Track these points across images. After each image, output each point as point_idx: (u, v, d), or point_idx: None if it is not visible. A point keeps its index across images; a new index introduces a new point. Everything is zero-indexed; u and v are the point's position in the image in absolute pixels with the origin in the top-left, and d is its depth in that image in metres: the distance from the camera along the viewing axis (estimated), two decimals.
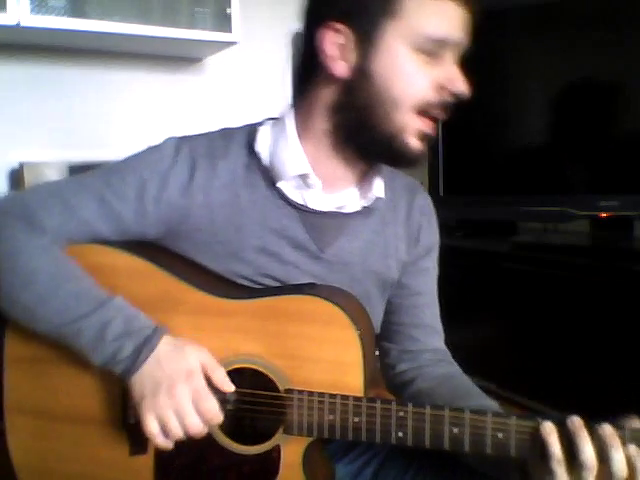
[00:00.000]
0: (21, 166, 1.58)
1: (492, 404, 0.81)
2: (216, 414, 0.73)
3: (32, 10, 1.41)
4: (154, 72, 1.88)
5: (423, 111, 0.77)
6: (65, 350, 0.77)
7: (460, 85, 0.77)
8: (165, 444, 0.73)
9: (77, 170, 1.53)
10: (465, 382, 0.88)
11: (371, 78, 0.75)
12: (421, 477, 0.84)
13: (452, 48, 0.77)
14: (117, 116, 1.83)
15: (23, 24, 1.41)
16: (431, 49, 0.75)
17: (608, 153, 1.55)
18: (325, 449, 0.82)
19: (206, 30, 1.62)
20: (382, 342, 0.94)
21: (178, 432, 0.72)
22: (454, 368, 0.91)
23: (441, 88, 0.76)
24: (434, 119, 0.78)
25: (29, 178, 1.56)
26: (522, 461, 0.68)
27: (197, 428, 0.72)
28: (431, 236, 0.93)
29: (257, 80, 1.90)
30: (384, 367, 0.94)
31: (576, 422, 0.64)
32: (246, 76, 1.94)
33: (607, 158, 1.55)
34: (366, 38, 0.75)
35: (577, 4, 1.55)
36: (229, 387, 0.75)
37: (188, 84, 1.92)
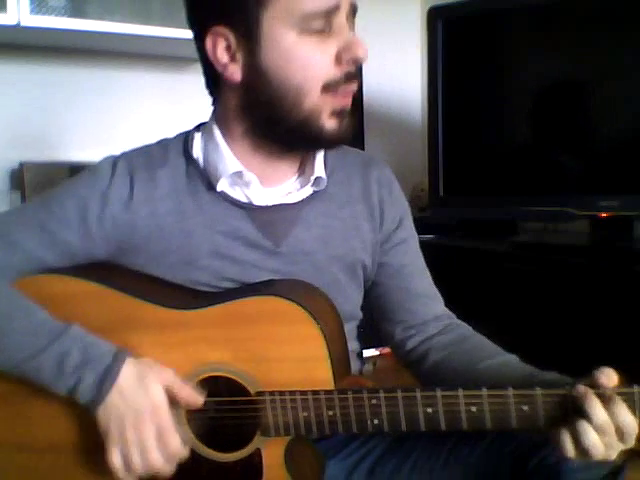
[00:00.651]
0: (21, 166, 1.58)
1: (509, 358, 0.81)
2: (179, 451, 0.73)
3: (32, 10, 1.41)
4: (154, 72, 1.88)
5: (330, 89, 0.74)
6: (31, 383, 0.75)
7: (359, 50, 0.73)
8: (127, 478, 0.72)
9: (77, 170, 1.52)
10: (478, 341, 0.87)
11: (266, 73, 0.74)
12: (417, 472, 0.83)
13: (339, 14, 0.73)
14: (117, 116, 1.83)
15: (23, 24, 1.41)
16: (318, 27, 0.72)
17: (608, 153, 1.55)
18: (311, 444, 0.82)
19: None
20: (383, 325, 0.93)
21: (139, 468, 0.72)
22: (462, 329, 0.90)
23: (341, 59, 0.74)
24: (344, 94, 0.76)
25: (29, 178, 1.56)
26: None
27: (158, 464, 0.72)
28: (397, 207, 0.91)
29: None
30: (394, 349, 0.93)
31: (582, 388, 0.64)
32: None
33: (607, 158, 1.55)
34: (247, 35, 0.73)
35: (577, 4, 1.55)
36: (198, 401, 0.74)
37: (188, 84, 1.92)
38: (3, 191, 1.66)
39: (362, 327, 0.93)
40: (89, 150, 1.77)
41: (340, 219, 0.85)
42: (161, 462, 0.72)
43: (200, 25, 0.77)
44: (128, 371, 0.73)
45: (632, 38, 1.48)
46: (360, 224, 0.87)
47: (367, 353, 1.89)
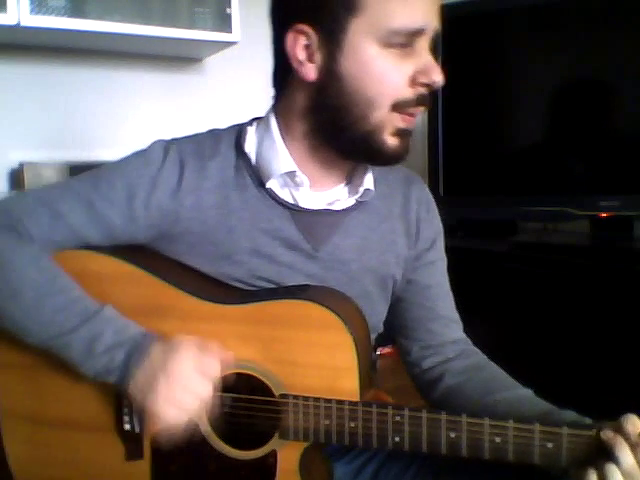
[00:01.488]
0: (21, 166, 1.57)
1: (525, 393, 0.81)
2: (217, 369, 0.72)
3: (32, 10, 1.40)
4: (154, 72, 1.87)
5: (399, 108, 0.75)
6: (56, 358, 0.76)
7: (436, 75, 0.74)
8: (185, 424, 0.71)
9: (77, 170, 1.53)
10: (494, 372, 0.87)
11: (341, 79, 0.74)
12: (422, 476, 0.83)
13: (423, 37, 0.74)
14: (117, 116, 1.83)
15: (23, 24, 1.41)
16: (401, 42, 0.72)
17: (608, 153, 1.55)
18: (323, 452, 0.82)
19: (206, 30, 1.61)
20: (401, 340, 0.93)
21: (192, 404, 0.70)
22: (479, 357, 0.90)
23: (416, 81, 0.74)
24: (411, 114, 0.76)
25: (29, 178, 1.56)
26: None
27: (207, 390, 0.71)
28: (432, 227, 0.92)
29: (257, 80, 1.90)
30: (409, 367, 0.93)
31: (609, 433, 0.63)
32: (246, 76, 1.95)
33: (607, 158, 1.55)
34: (331, 38, 0.73)
35: (577, 4, 1.55)
36: (229, 360, 0.74)
37: (188, 84, 1.92)
38: (3, 191, 1.65)
39: None
40: (89, 150, 1.76)
41: (378, 232, 0.86)
42: (208, 387, 0.71)
43: (284, 19, 0.76)
44: (157, 347, 0.73)
45: (633, 38, 1.48)
46: (396, 239, 0.88)
47: None
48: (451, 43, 1.68)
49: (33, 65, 1.71)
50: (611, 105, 1.54)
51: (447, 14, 1.76)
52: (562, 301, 1.47)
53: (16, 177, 1.66)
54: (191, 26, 1.60)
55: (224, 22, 1.63)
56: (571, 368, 1.43)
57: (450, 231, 1.80)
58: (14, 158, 1.66)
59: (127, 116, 1.84)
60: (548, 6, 1.56)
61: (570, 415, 0.73)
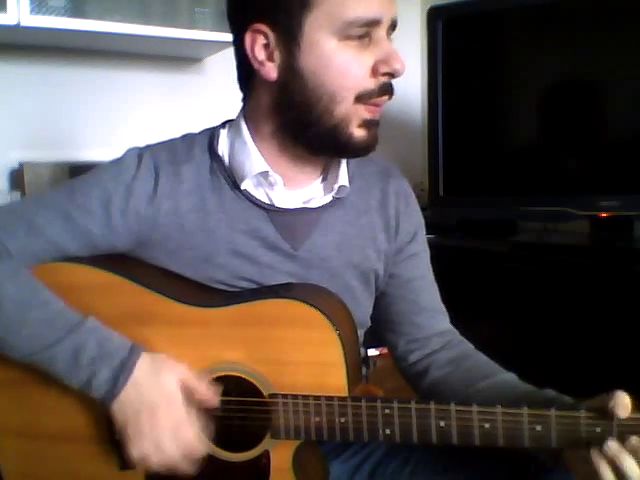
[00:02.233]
0: (21, 166, 1.57)
1: (508, 377, 0.81)
2: (195, 446, 0.72)
3: (32, 10, 1.40)
4: (154, 72, 1.87)
5: (363, 99, 0.75)
6: (42, 372, 0.75)
7: (397, 63, 0.74)
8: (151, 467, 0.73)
9: (77, 170, 1.53)
10: (478, 360, 0.87)
11: (302, 76, 0.74)
12: (419, 474, 0.84)
13: (380, 27, 0.73)
14: (117, 116, 1.83)
15: (23, 24, 1.40)
16: (358, 33, 0.72)
17: (608, 153, 1.55)
18: (317, 448, 0.82)
19: (206, 30, 1.61)
20: (388, 335, 0.93)
21: (156, 463, 0.72)
22: (464, 346, 0.90)
23: (378, 71, 0.74)
24: (376, 104, 0.76)
25: (29, 178, 1.56)
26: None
27: (175, 459, 0.72)
28: (412, 219, 0.92)
29: None
30: (396, 360, 0.94)
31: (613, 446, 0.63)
32: None
33: (607, 158, 1.55)
34: (288, 35, 0.73)
35: (577, 4, 1.55)
36: (214, 400, 0.75)
37: (188, 84, 1.92)
38: (3, 191, 1.65)
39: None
40: (89, 150, 1.76)
41: (357, 227, 0.86)
42: (177, 457, 0.72)
43: (241, 20, 0.77)
44: (143, 366, 0.73)
45: (632, 38, 1.48)
46: (376, 233, 0.88)
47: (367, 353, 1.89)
48: (451, 43, 1.68)
49: (33, 65, 1.71)
50: (611, 105, 1.54)
51: (447, 14, 1.77)
52: (562, 301, 1.47)
53: (16, 177, 1.66)
54: (191, 26, 1.60)
55: (224, 22, 1.62)
56: (571, 368, 1.43)
57: (450, 231, 1.81)
58: (14, 158, 1.66)
59: (127, 116, 1.84)
60: (547, 6, 1.56)
61: (549, 393, 0.74)
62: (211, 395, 0.75)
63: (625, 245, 1.50)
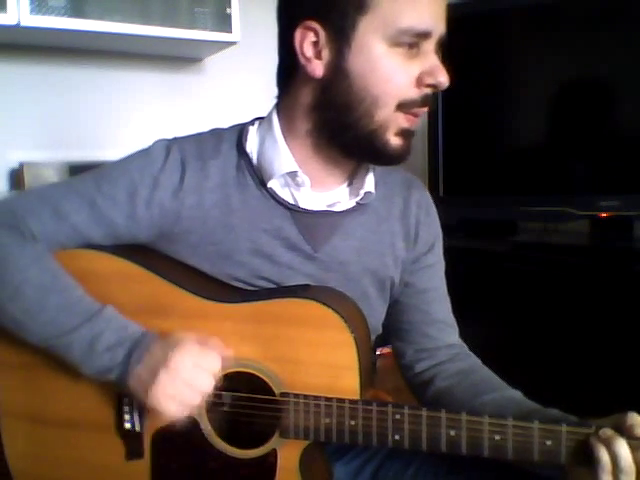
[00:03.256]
0: (21, 166, 1.57)
1: (514, 394, 0.81)
2: (217, 364, 0.72)
3: (32, 10, 1.40)
4: (154, 72, 1.87)
5: (404, 107, 0.75)
6: (57, 357, 0.76)
7: (441, 76, 0.75)
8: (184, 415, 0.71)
9: (77, 170, 1.53)
10: (484, 374, 0.87)
11: (348, 77, 0.74)
12: (421, 476, 0.84)
13: (429, 39, 0.75)
14: (117, 116, 1.83)
15: (23, 24, 1.41)
16: (408, 42, 0.73)
17: (608, 153, 1.55)
18: (323, 451, 0.82)
19: (206, 30, 1.62)
20: (396, 343, 0.93)
21: (192, 398, 0.70)
22: (471, 360, 0.90)
23: (422, 82, 0.75)
24: (415, 114, 0.77)
25: (29, 178, 1.56)
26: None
27: (208, 383, 0.71)
28: (431, 230, 0.92)
29: (257, 80, 1.90)
30: (403, 369, 0.93)
31: (608, 431, 0.64)
32: (246, 76, 1.95)
33: (607, 158, 1.55)
34: (340, 35, 0.73)
35: (576, 4, 1.55)
36: (226, 352, 0.74)
37: (188, 84, 1.92)
38: (3, 191, 1.65)
39: None
40: (89, 150, 1.76)
41: (377, 234, 0.86)
42: (209, 381, 0.71)
43: (293, 15, 0.76)
44: (157, 343, 0.73)
45: (633, 38, 1.48)
46: (395, 241, 0.88)
47: None
48: (451, 43, 1.68)
49: (33, 65, 1.71)
50: (611, 105, 1.54)
51: (447, 14, 1.76)
52: (562, 301, 1.48)
53: (16, 177, 1.66)
54: (191, 26, 1.60)
55: (224, 22, 1.63)
56: (571, 368, 1.43)
57: (450, 231, 1.81)
58: (14, 158, 1.66)
59: (127, 116, 1.84)
60: (548, 6, 1.56)
61: (554, 412, 0.74)
62: (217, 360, 0.73)
63: (625, 245, 1.50)
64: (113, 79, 1.82)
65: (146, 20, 1.54)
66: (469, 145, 1.74)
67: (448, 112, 1.72)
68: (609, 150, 1.55)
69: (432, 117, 1.75)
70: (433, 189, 1.74)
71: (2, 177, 1.68)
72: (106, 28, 1.50)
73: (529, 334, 1.53)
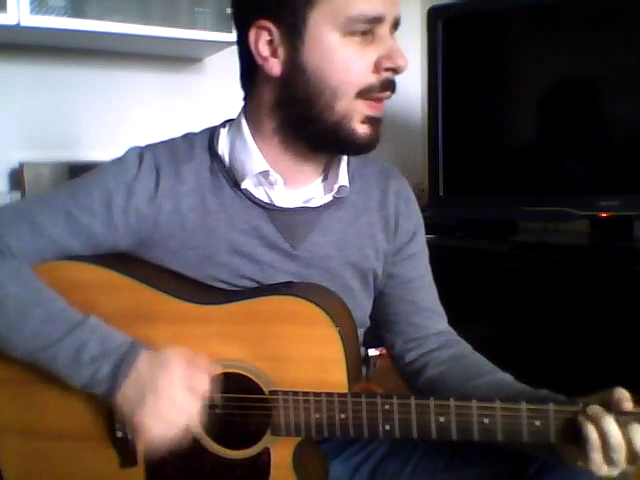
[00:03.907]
0: (21, 166, 1.57)
1: (504, 377, 0.82)
2: (206, 385, 0.72)
3: (32, 10, 1.40)
4: (154, 72, 1.87)
5: (366, 95, 0.75)
6: (44, 371, 0.75)
7: (399, 59, 0.75)
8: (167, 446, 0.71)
9: (77, 170, 1.53)
10: (475, 359, 0.87)
11: (305, 71, 0.74)
12: (419, 473, 0.84)
13: (383, 24, 0.74)
14: (117, 116, 1.83)
15: (23, 24, 1.41)
16: (361, 29, 0.73)
17: (608, 153, 1.55)
18: (317, 447, 0.82)
19: (206, 30, 1.62)
20: (385, 335, 0.93)
21: (179, 422, 0.70)
22: (461, 346, 0.90)
23: (380, 66, 0.75)
24: (378, 99, 0.77)
25: (29, 178, 1.56)
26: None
27: (196, 407, 0.71)
28: (412, 219, 0.92)
29: None
30: (394, 360, 0.94)
31: (596, 408, 0.64)
32: None
33: (607, 158, 1.55)
34: (293, 31, 0.74)
35: (576, 4, 1.55)
36: (214, 369, 0.74)
37: (188, 84, 1.92)
38: (3, 191, 1.65)
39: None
40: (89, 150, 1.76)
41: (356, 227, 0.86)
42: (181, 428, 0.71)
43: (245, 17, 0.77)
44: (144, 358, 0.73)
45: (632, 38, 1.48)
46: (375, 233, 0.88)
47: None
48: (451, 43, 1.68)
49: (33, 65, 1.71)
50: (611, 105, 1.54)
51: (447, 14, 1.77)
52: (562, 301, 1.47)
53: (16, 177, 1.66)
54: (191, 26, 1.60)
55: (224, 22, 1.63)
56: (571, 368, 1.43)
57: (450, 231, 1.81)
58: (14, 158, 1.66)
59: (127, 116, 1.84)
60: (548, 6, 1.56)
61: (544, 392, 0.75)
62: (206, 382, 0.73)
63: (625, 245, 1.50)
64: (113, 79, 1.81)
65: (146, 20, 1.54)
66: (469, 145, 1.74)
67: (448, 112, 1.72)
68: (609, 150, 1.55)
69: (432, 117, 1.75)
70: (433, 189, 1.74)
71: (2, 177, 1.68)
72: (106, 28, 1.50)
73: (529, 334, 1.53)
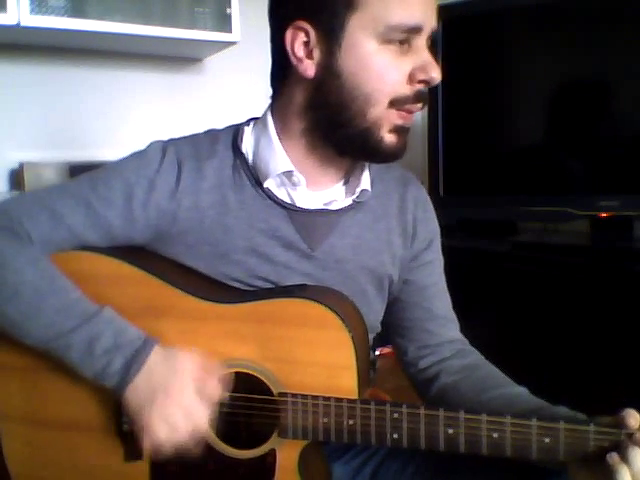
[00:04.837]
0: (21, 166, 1.57)
1: (520, 391, 0.81)
2: (205, 427, 0.72)
3: (32, 10, 1.40)
4: (154, 72, 1.87)
5: (398, 105, 0.75)
6: (55, 360, 0.76)
7: (433, 72, 0.74)
8: (171, 447, 0.71)
9: (77, 170, 1.53)
10: (490, 371, 0.87)
11: (340, 76, 0.74)
12: (420, 475, 0.83)
13: (420, 35, 0.74)
14: (117, 116, 1.83)
15: (23, 24, 1.41)
16: (399, 38, 0.73)
17: (608, 153, 1.55)
18: (322, 451, 0.82)
19: (206, 30, 1.62)
20: (398, 340, 0.93)
21: (185, 429, 0.71)
22: (476, 357, 0.90)
23: (414, 78, 0.74)
24: (409, 111, 0.77)
25: (29, 178, 1.56)
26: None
27: (204, 417, 0.71)
28: (429, 227, 0.92)
29: (257, 80, 1.89)
30: (405, 366, 0.93)
31: None
32: (246, 76, 1.94)
33: (607, 158, 1.55)
34: (330, 35, 0.73)
35: (576, 4, 1.55)
36: (219, 395, 0.74)
37: (188, 84, 1.92)
38: (3, 191, 1.65)
39: None
40: (89, 150, 1.76)
41: (374, 232, 0.86)
42: (187, 436, 0.71)
43: (283, 16, 0.76)
44: (156, 355, 0.73)
45: (633, 38, 1.48)
46: (392, 239, 0.88)
47: None
48: (451, 43, 1.68)
49: (33, 65, 1.71)
50: (611, 105, 1.54)
51: (447, 14, 1.77)
52: (562, 301, 1.47)
53: (16, 177, 1.66)
54: (191, 26, 1.60)
55: (224, 22, 1.63)
56: (571, 368, 1.43)
57: (450, 231, 1.81)
58: (14, 158, 1.66)
59: (127, 116, 1.84)
60: (548, 6, 1.56)
61: (563, 411, 0.74)
62: (218, 390, 0.74)
63: (625, 245, 1.50)
64: (113, 79, 1.82)
65: (146, 20, 1.54)
66: (469, 145, 1.74)
67: (448, 112, 1.72)
68: (609, 150, 1.55)
69: (432, 117, 1.75)
70: (433, 189, 1.74)
71: (2, 177, 1.68)
72: (106, 28, 1.50)
73: (529, 334, 1.53)
